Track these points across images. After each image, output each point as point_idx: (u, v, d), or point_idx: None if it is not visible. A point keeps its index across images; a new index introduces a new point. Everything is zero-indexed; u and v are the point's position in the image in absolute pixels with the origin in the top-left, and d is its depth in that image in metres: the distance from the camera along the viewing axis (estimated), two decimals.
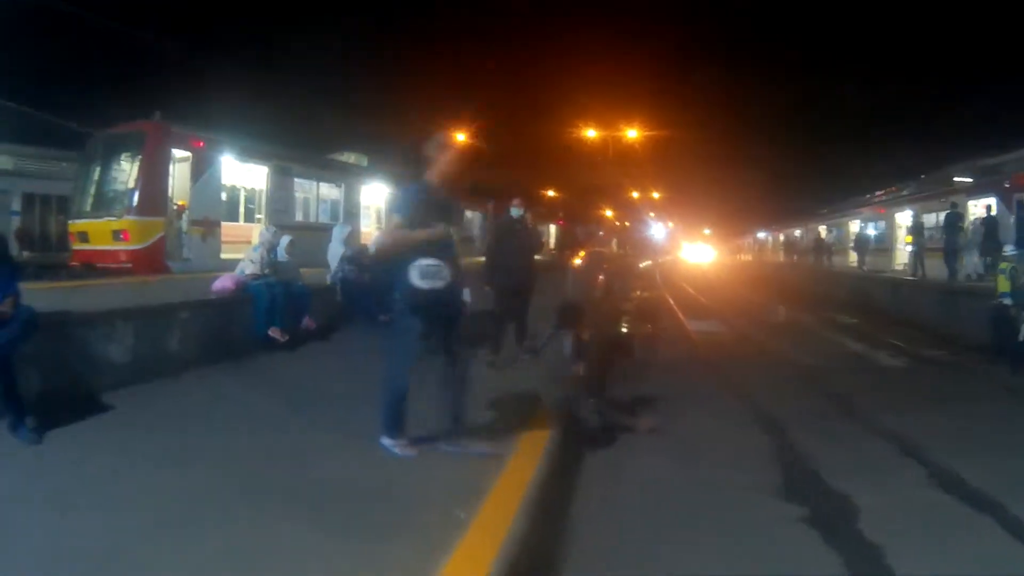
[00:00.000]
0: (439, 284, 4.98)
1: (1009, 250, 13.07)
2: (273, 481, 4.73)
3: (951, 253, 20.60)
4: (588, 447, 6.64)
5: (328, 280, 11.92)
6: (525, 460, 5.27)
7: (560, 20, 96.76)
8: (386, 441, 5.20)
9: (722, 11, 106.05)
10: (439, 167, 5.29)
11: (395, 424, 5.21)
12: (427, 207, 5.10)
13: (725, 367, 12.26)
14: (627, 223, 65.13)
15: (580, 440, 6.65)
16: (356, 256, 11.94)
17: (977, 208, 22.78)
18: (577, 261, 19.86)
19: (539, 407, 6.93)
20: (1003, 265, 12.60)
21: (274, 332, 9.17)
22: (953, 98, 71.21)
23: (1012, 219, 20.10)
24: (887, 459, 6.88)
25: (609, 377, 8.64)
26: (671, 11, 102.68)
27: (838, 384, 10.80)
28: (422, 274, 4.95)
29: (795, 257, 48.34)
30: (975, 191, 23.75)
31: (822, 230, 43.70)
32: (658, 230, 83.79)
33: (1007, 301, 12.11)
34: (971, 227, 21.40)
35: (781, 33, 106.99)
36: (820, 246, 41.74)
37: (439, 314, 5.19)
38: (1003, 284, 12.24)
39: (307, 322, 10.09)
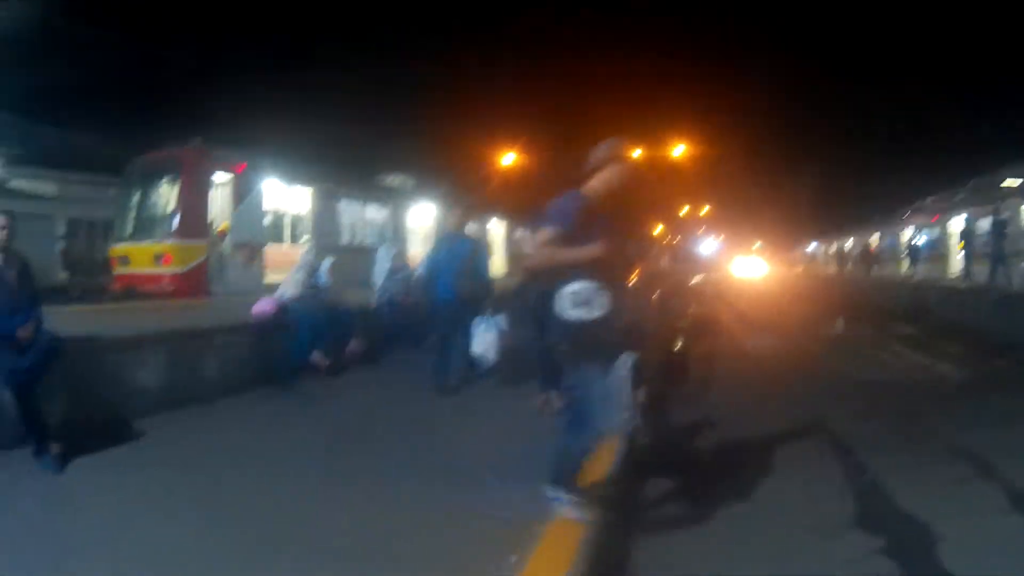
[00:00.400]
0: (594, 313, 4.18)
1: None
2: (308, 536, 4.22)
3: (997, 259, 20.51)
4: (650, 479, 6.15)
5: (373, 302, 11.55)
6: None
7: (610, 37, 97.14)
8: (554, 493, 4.45)
9: (771, 23, 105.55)
10: (607, 176, 4.44)
11: (567, 478, 4.51)
12: (588, 220, 4.26)
13: (786, 385, 11.69)
14: (677, 238, 64.72)
15: (639, 473, 6.11)
16: (402, 278, 11.66)
17: None
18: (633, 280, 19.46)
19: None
20: None
21: (316, 357, 8.82)
22: (1000, 102, 70.12)
23: None
24: (967, 482, 6.42)
25: (668, 401, 8.37)
26: (719, 26, 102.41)
27: (904, 400, 10.42)
28: (573, 302, 4.19)
29: (848, 267, 47.55)
30: None
31: (872, 240, 43.02)
32: (708, 245, 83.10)
33: None
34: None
35: (829, 44, 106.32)
36: (867, 256, 41.16)
37: (602, 352, 4.38)
38: None
39: (352, 346, 9.66)
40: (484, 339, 8.63)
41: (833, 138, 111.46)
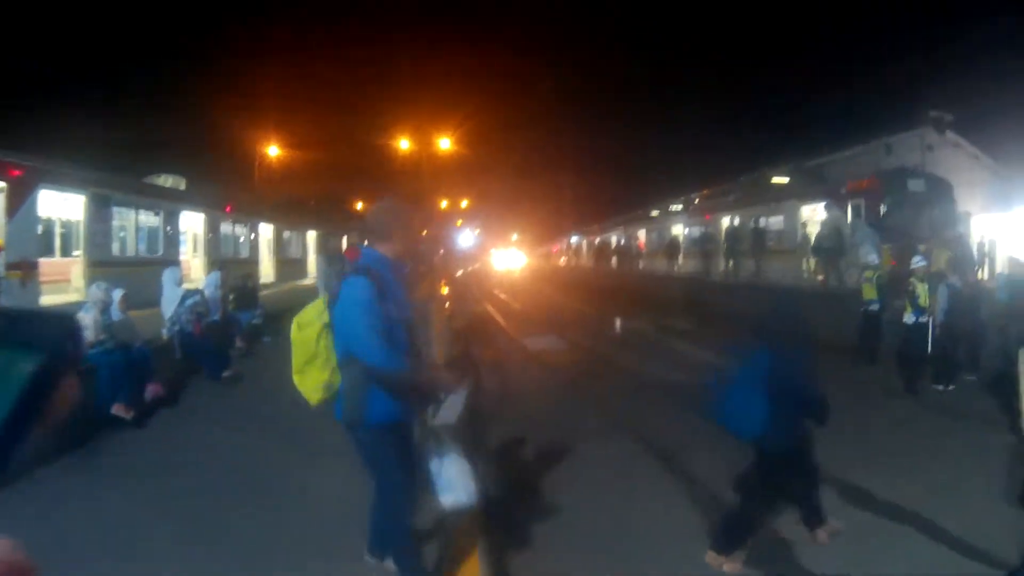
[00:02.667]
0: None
1: (872, 259, 13.92)
2: None
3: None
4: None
5: (164, 334, 11.04)
6: None
7: (366, 26, 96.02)
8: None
9: (533, 17, 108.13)
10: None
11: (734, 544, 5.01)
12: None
13: (586, 391, 11.77)
14: (433, 233, 65.34)
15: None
16: (192, 304, 11.29)
17: (812, 213, 24.19)
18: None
19: None
20: (868, 274, 13.63)
21: (118, 409, 8.15)
22: (767, 99, 76.01)
23: (848, 224, 21.40)
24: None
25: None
26: (477, 16, 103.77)
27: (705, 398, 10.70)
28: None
29: (613, 261, 49.06)
30: (808, 196, 25.11)
31: (640, 235, 44.99)
32: (465, 238, 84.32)
33: (874, 308, 13.29)
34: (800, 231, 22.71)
35: (590, 36, 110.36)
36: (628, 251, 44.28)
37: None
38: (870, 292, 13.37)
39: (152, 389, 9.01)
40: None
41: (594, 133, 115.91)
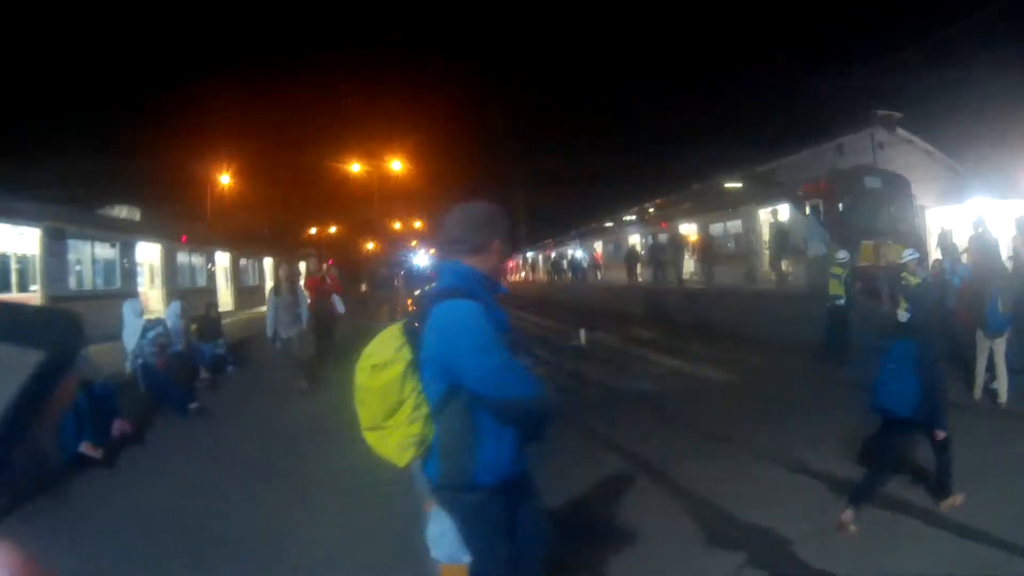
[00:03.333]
0: None
1: (841, 256, 14.10)
2: None
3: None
4: None
5: (127, 368, 10.80)
6: None
7: (316, 51, 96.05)
8: None
9: (479, 29, 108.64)
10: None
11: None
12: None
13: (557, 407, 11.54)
14: (393, 254, 65.16)
15: None
16: (154, 336, 11.06)
17: (770, 216, 24.36)
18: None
19: None
20: (837, 271, 13.74)
21: (86, 448, 7.87)
22: (715, 107, 76.86)
23: (807, 224, 21.57)
24: (788, 484, 6.99)
25: None
26: (425, 32, 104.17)
27: (682, 407, 10.84)
28: None
29: (569, 276, 48.56)
30: (764, 200, 25.30)
31: (597, 247, 45.15)
32: (422, 258, 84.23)
33: (841, 303, 13.44)
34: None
35: (539, 47, 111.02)
36: (575, 263, 45.93)
37: None
38: (837, 288, 13.53)
39: (119, 426, 8.70)
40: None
41: (545, 147, 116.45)
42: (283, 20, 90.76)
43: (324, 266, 15.42)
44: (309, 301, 12.76)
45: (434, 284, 3.20)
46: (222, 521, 6.29)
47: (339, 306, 14.35)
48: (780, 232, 22.54)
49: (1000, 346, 9.70)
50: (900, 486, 6.37)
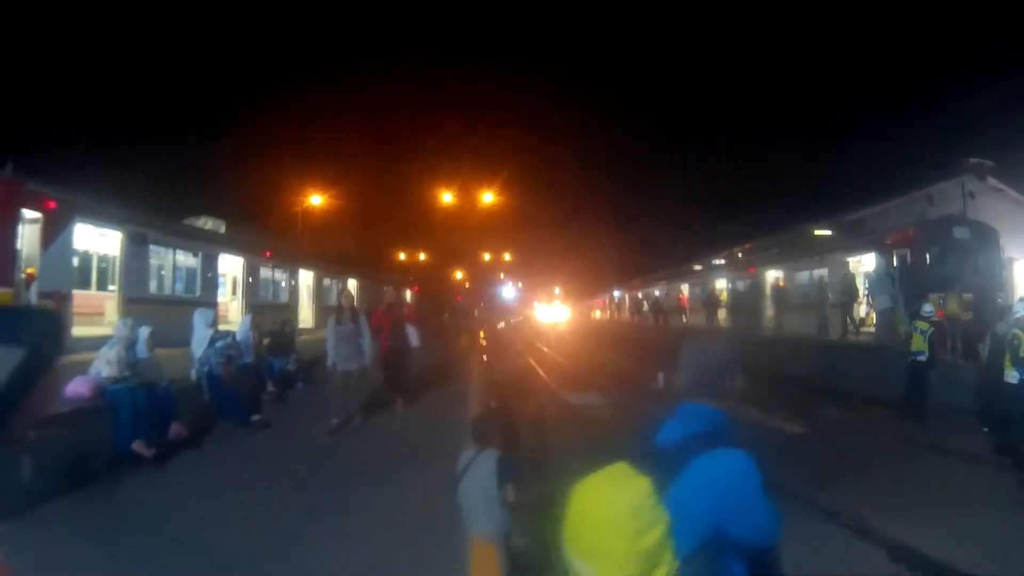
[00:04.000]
0: None
1: (927, 311, 13.56)
2: None
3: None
4: None
5: (193, 375, 10.69)
6: None
7: (421, 83, 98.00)
8: None
9: (578, 72, 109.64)
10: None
11: None
12: None
13: (626, 450, 11.19)
14: (474, 284, 65.45)
15: None
16: (222, 347, 11.01)
17: (860, 265, 23.67)
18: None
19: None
20: (922, 325, 13.21)
21: (139, 447, 7.89)
22: (807, 154, 75.98)
23: (895, 274, 20.85)
24: (846, 546, 6.73)
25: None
26: (530, 74, 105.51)
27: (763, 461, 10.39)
28: None
29: (656, 316, 47.30)
30: (852, 248, 24.56)
31: (683, 289, 44.54)
32: (509, 291, 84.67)
33: (922, 359, 12.93)
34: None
35: (633, 96, 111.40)
36: (657, 305, 45.18)
37: None
38: (920, 343, 13.02)
39: (175, 430, 8.76)
40: None
41: (639, 187, 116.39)
42: (386, 42, 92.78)
43: (404, 294, 15.12)
44: (381, 333, 11.94)
45: (673, 430, 2.80)
46: (263, 537, 6.13)
47: (414, 339, 12.47)
48: (850, 283, 21.99)
49: None
50: None
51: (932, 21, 62.12)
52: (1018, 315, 10.35)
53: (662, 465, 2.65)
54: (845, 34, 76.16)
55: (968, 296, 17.90)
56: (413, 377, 13.23)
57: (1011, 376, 10.06)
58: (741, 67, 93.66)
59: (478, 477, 5.64)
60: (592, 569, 2.59)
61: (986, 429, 11.51)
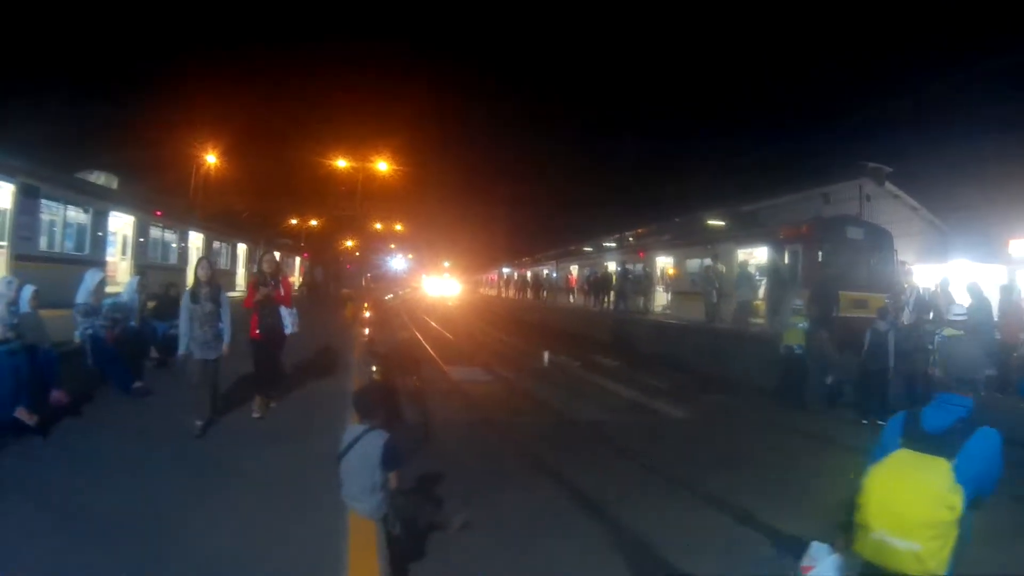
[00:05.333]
0: None
1: (798, 305, 14.58)
2: None
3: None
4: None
5: (76, 337, 10.42)
6: None
7: (316, 47, 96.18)
8: None
9: (475, 46, 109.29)
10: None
11: None
12: None
13: (508, 429, 11.75)
14: (364, 253, 64.79)
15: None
16: (107, 308, 10.90)
17: (749, 256, 24.33)
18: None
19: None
20: (799, 320, 14.27)
21: (22, 414, 7.69)
22: (707, 145, 77.53)
23: (738, 271, 22.09)
24: (730, 534, 7.05)
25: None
26: (426, 50, 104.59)
27: (636, 443, 10.86)
28: None
29: (544, 294, 48.81)
30: (744, 240, 25.26)
31: (573, 270, 45.17)
32: (398, 262, 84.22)
33: (799, 351, 13.88)
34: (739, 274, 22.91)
35: (533, 73, 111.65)
36: (538, 283, 47.09)
37: None
38: (798, 337, 13.94)
39: (57, 396, 8.51)
40: None
41: (533, 166, 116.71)
42: (284, 6, 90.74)
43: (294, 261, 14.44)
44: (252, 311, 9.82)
45: (938, 417, 3.58)
46: (127, 504, 6.16)
47: (287, 322, 10.06)
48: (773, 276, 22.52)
49: None
50: None
51: (851, 24, 64.13)
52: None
53: (940, 446, 3.43)
54: (757, 26, 78.04)
55: (864, 295, 18.87)
56: (286, 367, 11.58)
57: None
58: (645, 50, 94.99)
59: (365, 457, 5.84)
60: (905, 540, 3.32)
61: (864, 421, 12.45)
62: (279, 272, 10.34)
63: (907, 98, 38.51)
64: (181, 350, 9.09)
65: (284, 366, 11.24)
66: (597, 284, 34.96)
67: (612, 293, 33.06)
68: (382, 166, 44.38)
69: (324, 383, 12.07)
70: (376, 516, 5.88)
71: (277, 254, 12.68)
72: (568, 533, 7.03)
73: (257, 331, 9.70)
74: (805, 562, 3.97)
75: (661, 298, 31.13)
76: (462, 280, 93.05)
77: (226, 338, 9.16)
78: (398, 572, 5.47)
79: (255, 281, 10.02)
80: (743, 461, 10.07)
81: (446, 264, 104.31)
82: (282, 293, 9.97)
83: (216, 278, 9.55)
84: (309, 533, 5.68)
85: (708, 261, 24.64)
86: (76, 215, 18.94)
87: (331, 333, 18.64)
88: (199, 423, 8.61)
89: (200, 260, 9.65)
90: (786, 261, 21.52)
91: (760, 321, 21.84)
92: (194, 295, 9.07)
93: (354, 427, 6.29)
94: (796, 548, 4.16)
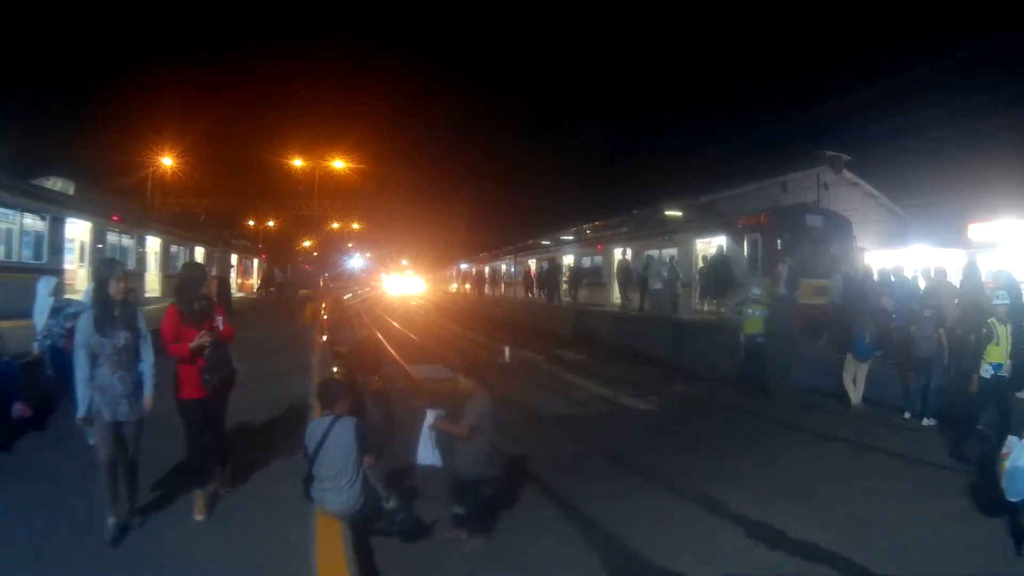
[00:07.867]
0: None
1: (755, 293, 14.63)
2: None
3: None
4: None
5: (35, 348, 10.14)
6: None
7: (270, 47, 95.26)
8: None
9: (430, 47, 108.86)
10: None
11: None
12: None
13: None
14: (322, 252, 64.29)
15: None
16: (65, 317, 10.70)
17: (707, 247, 24.41)
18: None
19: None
20: (757, 308, 14.23)
21: None
22: (663, 136, 77.76)
23: (745, 258, 21.84)
24: (703, 525, 7.12)
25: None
26: (380, 46, 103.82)
27: (602, 436, 10.97)
28: None
29: (502, 289, 49.14)
30: (703, 230, 25.34)
31: (531, 264, 45.12)
32: (356, 261, 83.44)
33: (760, 340, 13.92)
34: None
35: (489, 69, 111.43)
36: (495, 278, 48.00)
37: None
38: (757, 325, 13.98)
39: (19, 409, 8.22)
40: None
41: (492, 161, 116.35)
42: (242, 5, 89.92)
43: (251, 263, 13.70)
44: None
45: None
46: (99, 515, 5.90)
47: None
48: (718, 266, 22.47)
49: None
50: None
51: (808, 14, 64.63)
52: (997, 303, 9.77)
53: None
54: (714, 17, 78.48)
55: (824, 282, 18.71)
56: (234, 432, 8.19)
57: (986, 370, 9.36)
58: (601, 43, 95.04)
59: (342, 444, 5.90)
60: None
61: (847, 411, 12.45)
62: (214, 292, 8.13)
63: (865, 87, 39.00)
64: (81, 412, 5.87)
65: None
66: (547, 278, 35.19)
67: (565, 286, 33.45)
68: (338, 164, 44.32)
69: (291, 430, 8.77)
70: (353, 507, 5.89)
71: (235, 256, 12.07)
72: (543, 528, 7.15)
73: (202, 387, 6.42)
74: (1004, 450, 5.40)
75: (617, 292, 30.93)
76: (428, 277, 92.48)
77: (147, 388, 6.15)
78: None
79: (177, 314, 6.51)
80: (705, 449, 10.19)
81: (404, 262, 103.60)
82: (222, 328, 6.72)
83: (134, 293, 6.82)
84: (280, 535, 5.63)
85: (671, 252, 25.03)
86: (33, 222, 18.69)
87: (291, 344, 18.28)
88: (112, 520, 5.79)
89: (106, 263, 7.04)
90: (745, 251, 21.70)
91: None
92: (99, 322, 5.89)
93: (319, 419, 6.27)
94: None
